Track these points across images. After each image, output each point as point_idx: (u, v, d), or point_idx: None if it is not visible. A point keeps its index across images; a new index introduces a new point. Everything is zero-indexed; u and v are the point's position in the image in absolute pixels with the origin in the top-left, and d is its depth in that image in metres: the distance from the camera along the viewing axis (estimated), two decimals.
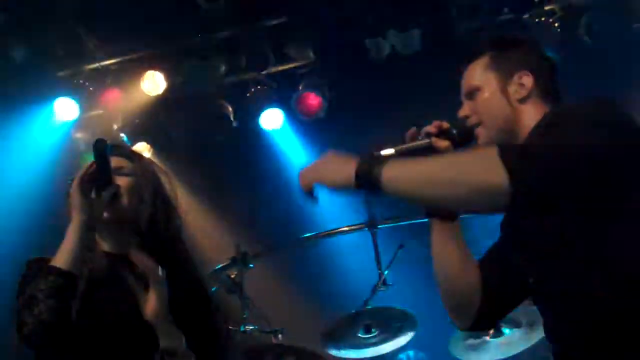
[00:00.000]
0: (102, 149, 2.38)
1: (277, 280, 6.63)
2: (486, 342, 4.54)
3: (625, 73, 6.17)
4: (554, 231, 2.07)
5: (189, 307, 2.52)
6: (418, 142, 2.32)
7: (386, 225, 5.05)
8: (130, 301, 2.45)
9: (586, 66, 6.19)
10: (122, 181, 2.49)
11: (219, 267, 4.91)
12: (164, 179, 2.64)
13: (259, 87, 6.68)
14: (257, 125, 6.69)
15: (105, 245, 2.58)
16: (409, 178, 2.02)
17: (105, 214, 2.42)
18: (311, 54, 6.38)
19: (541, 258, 2.14)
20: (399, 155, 2.25)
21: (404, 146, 2.30)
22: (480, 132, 2.31)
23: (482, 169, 1.92)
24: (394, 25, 6.25)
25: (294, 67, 6.66)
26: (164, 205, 2.58)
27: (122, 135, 6.51)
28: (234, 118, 6.73)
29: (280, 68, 6.63)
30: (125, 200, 2.49)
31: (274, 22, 6.37)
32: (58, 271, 2.30)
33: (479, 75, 2.33)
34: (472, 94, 2.34)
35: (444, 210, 2.34)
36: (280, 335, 4.65)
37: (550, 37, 6.29)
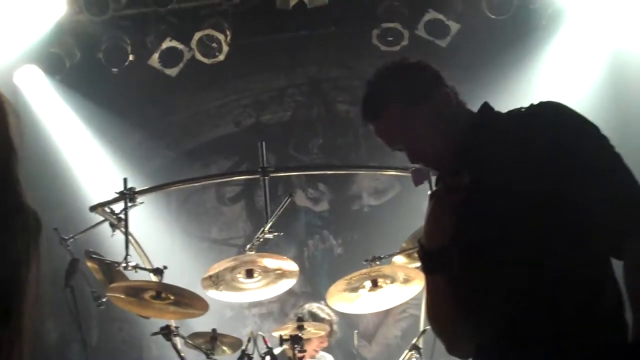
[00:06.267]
0: None
1: (162, 220, 6.57)
2: (362, 295, 4.65)
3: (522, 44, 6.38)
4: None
5: None
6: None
7: (278, 175, 5.08)
8: None
9: (487, 37, 6.36)
10: None
11: (104, 201, 4.82)
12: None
13: (159, 22, 6.54)
14: (153, 61, 6.56)
15: None
16: None
17: None
18: None
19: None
20: None
21: None
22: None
23: None
24: None
25: (198, 7, 6.54)
26: None
27: None
28: (131, 51, 6.57)
29: (184, 5, 6.49)
30: None
31: None
32: None
33: (407, 119, 2.21)
34: (412, 137, 2.22)
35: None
36: (160, 275, 4.61)
37: (453, 9, 6.42)
